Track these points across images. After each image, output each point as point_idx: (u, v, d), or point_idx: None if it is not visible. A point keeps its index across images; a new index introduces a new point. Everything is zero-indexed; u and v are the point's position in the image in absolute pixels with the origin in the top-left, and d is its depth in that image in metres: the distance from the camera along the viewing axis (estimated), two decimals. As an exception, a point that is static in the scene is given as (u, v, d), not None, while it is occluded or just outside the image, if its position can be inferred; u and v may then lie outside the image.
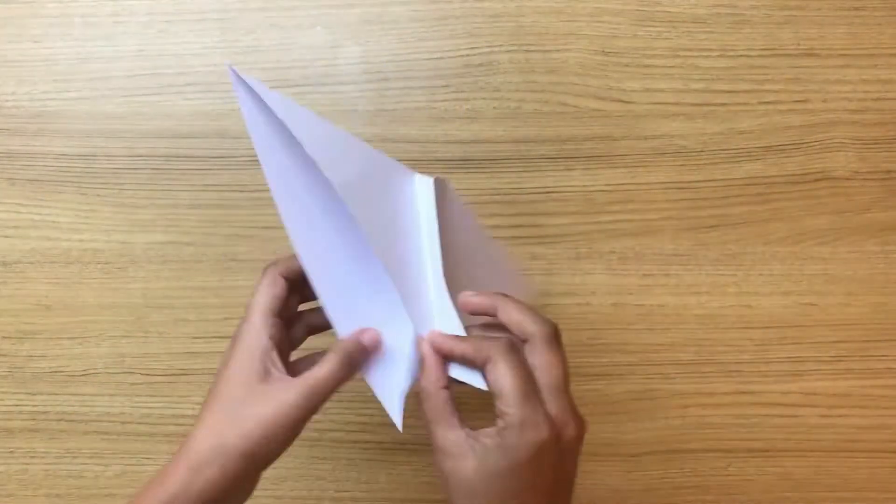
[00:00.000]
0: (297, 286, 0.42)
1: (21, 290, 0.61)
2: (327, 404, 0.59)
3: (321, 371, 0.39)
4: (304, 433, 0.59)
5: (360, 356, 0.40)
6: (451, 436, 0.37)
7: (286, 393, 0.38)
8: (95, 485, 0.60)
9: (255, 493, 0.56)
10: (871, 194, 0.61)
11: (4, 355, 0.60)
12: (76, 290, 0.60)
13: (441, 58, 0.62)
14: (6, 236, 0.61)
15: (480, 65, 0.61)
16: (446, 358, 0.40)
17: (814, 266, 0.60)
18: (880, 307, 0.60)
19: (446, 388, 0.39)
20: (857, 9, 0.62)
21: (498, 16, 0.62)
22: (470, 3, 0.62)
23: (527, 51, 0.61)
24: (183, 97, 0.61)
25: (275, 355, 0.39)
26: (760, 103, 0.61)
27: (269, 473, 0.59)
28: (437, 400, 0.38)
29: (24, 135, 0.61)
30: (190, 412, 0.60)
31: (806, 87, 0.61)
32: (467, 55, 0.61)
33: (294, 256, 0.40)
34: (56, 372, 0.60)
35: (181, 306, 0.60)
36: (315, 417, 0.60)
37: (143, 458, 0.60)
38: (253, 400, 0.38)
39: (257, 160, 0.62)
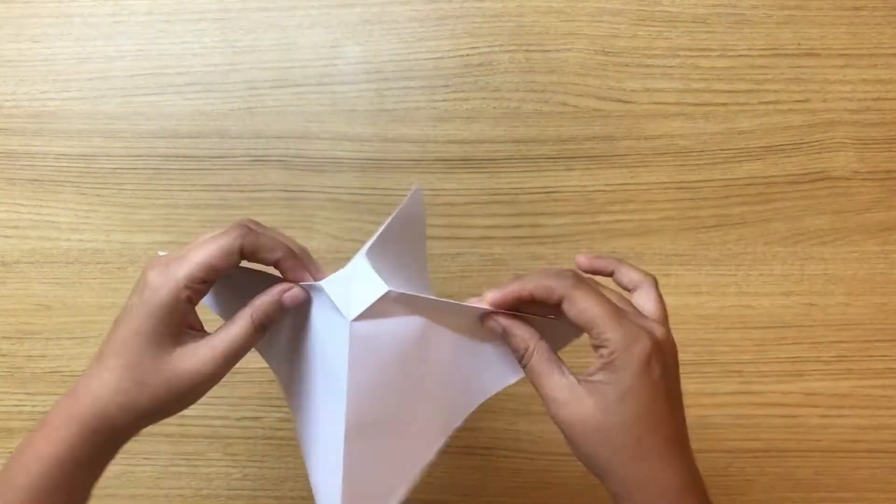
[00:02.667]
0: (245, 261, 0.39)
1: (21, 290, 0.60)
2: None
3: (235, 332, 0.37)
4: (304, 433, 0.59)
5: (277, 315, 0.39)
6: (561, 382, 0.37)
7: (200, 358, 0.37)
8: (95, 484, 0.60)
9: (256, 493, 0.56)
10: (871, 194, 0.61)
11: (4, 355, 0.60)
12: (76, 290, 0.60)
13: (441, 58, 0.61)
14: (6, 236, 0.61)
15: (480, 65, 0.61)
16: (519, 302, 0.38)
17: (814, 266, 0.60)
18: (880, 307, 0.60)
19: (542, 339, 0.39)
20: (857, 9, 0.62)
21: (498, 16, 0.62)
22: (470, 3, 0.62)
23: (527, 51, 0.61)
24: (182, 97, 0.61)
25: (191, 313, 0.38)
26: (760, 103, 0.61)
27: (269, 474, 0.59)
28: (542, 352, 0.38)
29: (24, 135, 0.61)
30: (190, 412, 0.59)
31: (806, 87, 0.61)
32: (467, 55, 0.61)
33: (273, 241, 0.38)
34: (56, 372, 0.60)
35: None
36: (315, 417, 0.60)
37: (142, 458, 0.60)
38: (166, 362, 0.36)
39: (257, 160, 0.62)
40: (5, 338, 0.60)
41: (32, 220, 0.61)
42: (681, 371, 0.61)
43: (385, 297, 0.36)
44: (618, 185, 0.61)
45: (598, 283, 0.38)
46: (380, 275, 0.37)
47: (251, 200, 0.61)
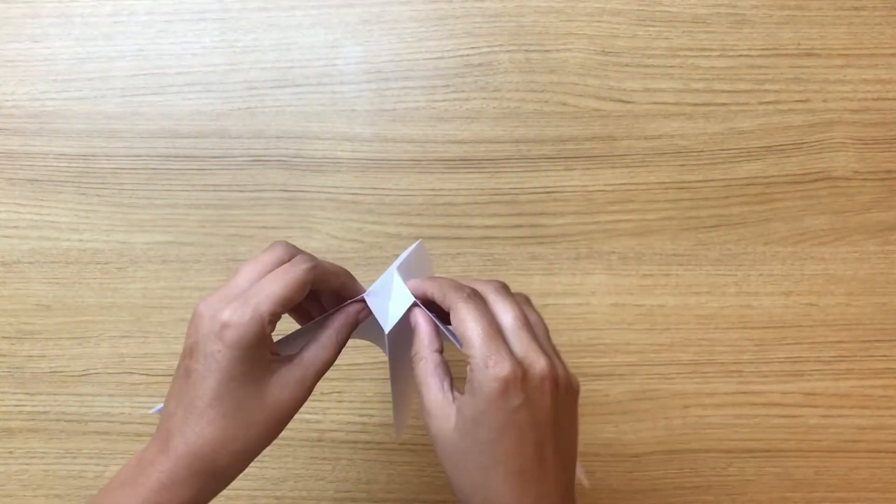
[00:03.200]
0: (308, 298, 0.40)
1: (21, 290, 0.60)
2: (328, 404, 0.60)
3: (325, 355, 0.39)
4: (304, 434, 0.59)
5: (352, 328, 0.40)
6: (437, 396, 0.37)
7: (297, 382, 0.38)
8: (95, 485, 0.60)
9: (256, 493, 0.56)
10: (871, 194, 0.61)
11: (4, 355, 0.60)
12: (76, 290, 0.60)
13: (441, 58, 0.61)
14: (6, 236, 0.61)
15: (480, 65, 0.61)
16: (424, 300, 0.40)
17: (814, 266, 0.60)
18: (880, 307, 0.60)
19: (438, 351, 0.39)
20: (857, 9, 0.62)
21: (498, 16, 0.62)
22: (470, 3, 0.62)
23: (527, 51, 0.61)
24: (182, 97, 0.61)
25: (271, 342, 0.38)
26: (760, 103, 0.61)
27: (269, 474, 0.59)
28: (428, 363, 0.38)
29: (24, 135, 0.61)
30: (190, 412, 0.60)
31: (806, 87, 0.61)
32: (467, 55, 0.61)
33: (334, 268, 0.40)
34: (56, 372, 0.60)
35: (181, 306, 0.60)
36: (315, 417, 0.60)
37: (142, 458, 0.60)
38: (267, 396, 0.37)
39: (257, 160, 0.62)
40: (5, 338, 0.60)
41: (32, 220, 0.61)
42: (681, 371, 0.61)
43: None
44: (618, 185, 0.61)
45: (516, 303, 0.38)
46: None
47: (251, 200, 0.61)
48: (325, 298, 0.43)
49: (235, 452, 0.36)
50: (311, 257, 0.39)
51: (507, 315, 0.37)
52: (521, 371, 0.35)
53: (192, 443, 0.36)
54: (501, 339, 0.36)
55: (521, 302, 0.39)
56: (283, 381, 0.37)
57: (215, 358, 0.36)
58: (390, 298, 0.41)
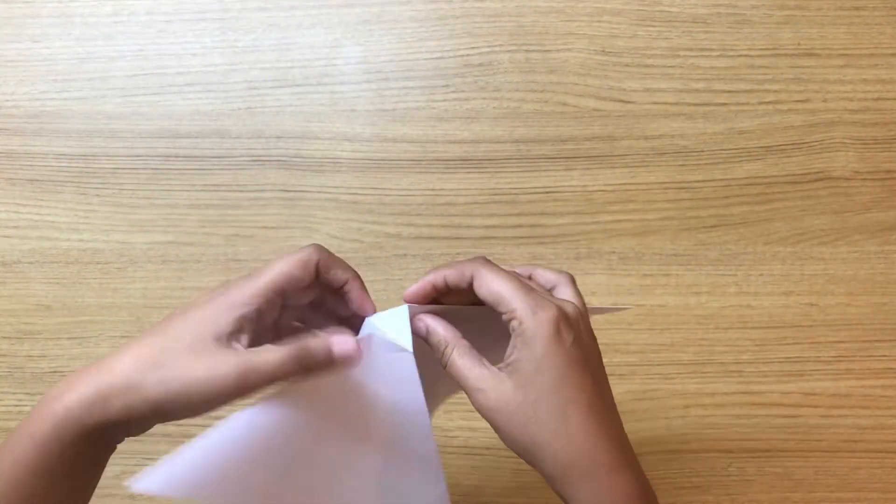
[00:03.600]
0: (322, 287, 0.39)
1: (21, 290, 0.60)
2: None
3: (268, 358, 0.33)
4: (304, 433, 0.59)
5: (322, 363, 0.35)
6: (482, 373, 0.36)
7: (223, 364, 0.33)
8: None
9: (255, 493, 0.55)
10: (871, 194, 0.61)
11: (4, 355, 0.60)
12: (76, 290, 0.60)
13: (441, 58, 0.61)
14: (6, 236, 0.61)
15: (480, 65, 0.61)
16: (435, 290, 0.39)
17: (814, 266, 0.60)
18: (880, 307, 0.60)
19: (464, 338, 0.38)
20: (857, 9, 0.62)
21: (498, 16, 0.62)
22: (470, 3, 0.62)
23: (527, 51, 0.61)
24: (182, 97, 0.61)
25: (247, 333, 0.35)
26: (760, 103, 0.61)
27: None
28: (459, 349, 0.37)
29: (24, 135, 0.61)
30: (190, 412, 0.60)
31: (806, 87, 0.61)
32: (467, 55, 0.61)
33: (345, 264, 0.39)
34: (56, 372, 0.60)
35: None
36: (315, 417, 0.60)
37: (142, 458, 0.60)
38: (192, 355, 0.33)
39: (257, 160, 0.62)
40: (5, 338, 0.60)
41: (32, 220, 0.61)
42: (681, 371, 0.61)
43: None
44: (618, 185, 0.61)
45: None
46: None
47: (251, 200, 0.61)
48: (329, 304, 0.41)
49: (129, 380, 0.32)
50: (323, 248, 0.38)
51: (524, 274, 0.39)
52: (560, 311, 0.36)
53: (118, 356, 0.33)
54: (533, 290, 0.37)
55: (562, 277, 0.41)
56: (212, 360, 0.33)
57: (197, 304, 0.35)
58: (386, 331, 0.38)
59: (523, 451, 0.36)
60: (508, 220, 0.61)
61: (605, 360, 0.59)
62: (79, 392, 0.32)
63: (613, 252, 0.60)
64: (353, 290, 0.40)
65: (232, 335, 0.34)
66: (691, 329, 0.60)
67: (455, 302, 0.39)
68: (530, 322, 0.35)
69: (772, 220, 0.61)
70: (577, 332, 0.36)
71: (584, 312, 0.38)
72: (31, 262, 0.61)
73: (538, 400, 0.35)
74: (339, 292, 0.40)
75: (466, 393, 0.37)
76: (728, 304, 0.60)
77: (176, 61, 0.62)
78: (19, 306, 0.60)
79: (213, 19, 0.62)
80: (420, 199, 0.61)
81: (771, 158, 0.61)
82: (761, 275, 0.60)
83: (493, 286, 0.36)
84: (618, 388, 0.60)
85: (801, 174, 0.61)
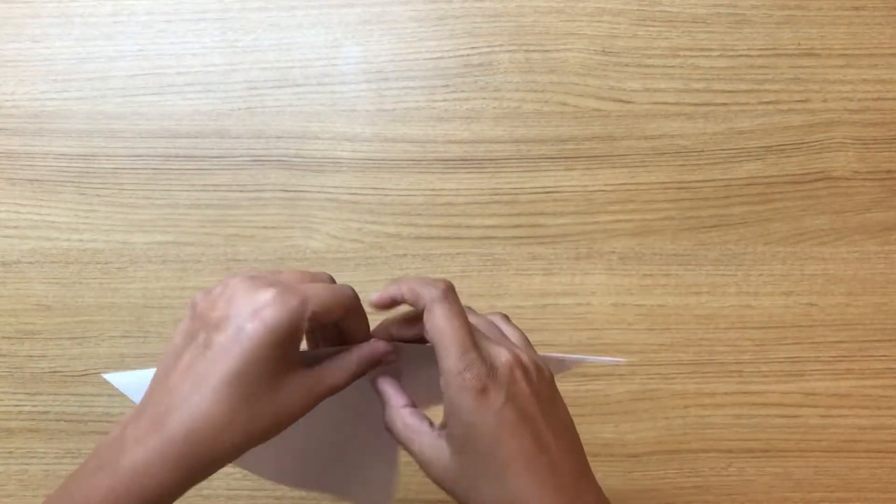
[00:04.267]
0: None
1: (21, 290, 0.60)
2: (327, 404, 0.59)
3: (336, 377, 0.36)
4: (304, 433, 0.59)
5: (373, 365, 0.37)
6: (428, 440, 0.36)
7: (306, 391, 0.34)
8: None
9: (256, 493, 0.56)
10: (871, 194, 0.61)
11: (4, 355, 0.60)
12: (76, 290, 0.60)
13: (441, 58, 0.61)
14: (6, 236, 0.61)
15: (480, 65, 0.61)
16: (394, 303, 0.37)
17: (814, 266, 0.60)
18: (880, 307, 0.60)
19: (408, 405, 0.37)
20: (857, 9, 0.62)
21: (498, 16, 0.62)
22: (470, 3, 0.62)
23: (527, 51, 0.61)
24: (182, 97, 0.61)
25: (300, 344, 0.35)
26: (760, 103, 0.61)
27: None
28: (405, 416, 0.37)
29: (24, 135, 0.61)
30: (190, 412, 0.60)
31: (806, 87, 0.61)
32: (467, 55, 0.61)
33: (366, 322, 0.38)
34: (55, 372, 0.60)
35: (181, 306, 0.60)
36: (315, 418, 0.60)
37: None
38: (277, 392, 0.33)
39: (257, 160, 0.62)
40: (5, 338, 0.60)
41: (32, 220, 0.61)
42: (681, 371, 0.61)
43: None
44: (618, 185, 0.61)
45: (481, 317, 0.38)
46: None
47: (251, 200, 0.61)
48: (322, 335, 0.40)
49: (232, 443, 0.33)
50: (355, 294, 0.37)
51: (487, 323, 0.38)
52: (488, 369, 0.34)
53: (193, 420, 0.32)
54: (473, 342, 0.35)
55: (497, 318, 0.39)
56: (297, 385, 0.34)
57: (248, 335, 0.32)
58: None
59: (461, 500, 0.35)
60: (508, 220, 0.61)
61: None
62: (159, 468, 0.32)
63: (613, 252, 0.60)
64: (349, 323, 0.38)
65: (295, 358, 0.35)
66: (691, 329, 0.60)
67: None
68: (454, 386, 0.33)
69: (772, 220, 0.61)
70: (510, 387, 0.34)
71: (518, 360, 0.35)
72: (31, 262, 0.61)
73: (473, 468, 0.34)
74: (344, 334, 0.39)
75: (407, 449, 0.37)
76: (728, 304, 0.60)
77: (176, 61, 0.62)
78: (19, 306, 0.60)
79: (213, 19, 0.62)
80: (420, 199, 0.61)
81: (771, 158, 0.61)
82: (761, 275, 0.60)
83: (434, 328, 0.34)
84: (618, 388, 0.60)
85: (801, 174, 0.61)
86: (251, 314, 0.33)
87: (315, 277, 0.37)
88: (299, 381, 0.34)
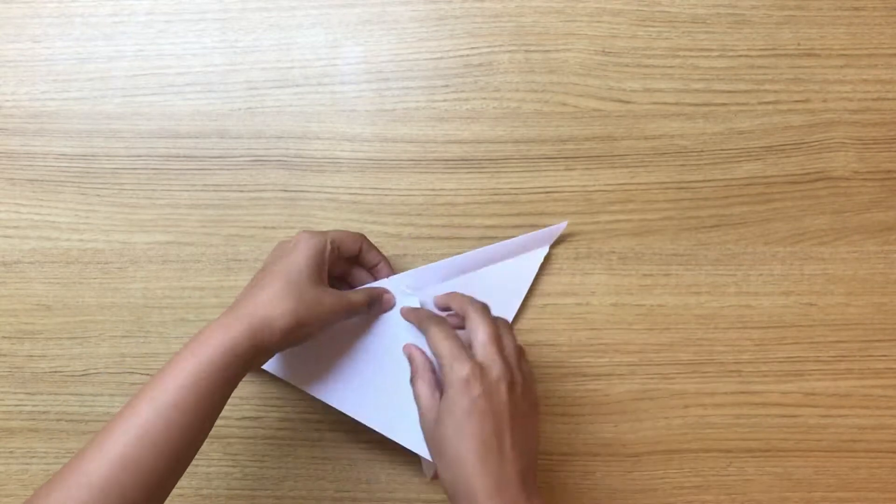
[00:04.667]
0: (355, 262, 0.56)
1: (21, 290, 0.61)
2: (327, 404, 0.59)
3: (357, 297, 0.52)
4: (305, 433, 0.59)
5: (376, 303, 0.54)
6: (429, 402, 0.48)
7: (336, 298, 0.50)
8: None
9: (256, 492, 0.56)
10: (871, 194, 0.61)
11: (4, 355, 0.60)
12: (76, 290, 0.60)
13: (441, 58, 0.62)
14: (6, 236, 0.61)
15: (480, 65, 0.61)
16: (440, 306, 0.54)
17: (814, 266, 0.60)
18: (880, 307, 0.60)
19: (431, 371, 0.50)
20: (857, 9, 0.62)
21: (498, 16, 0.62)
22: (470, 3, 0.62)
23: (527, 51, 0.61)
24: (183, 97, 0.61)
25: (327, 270, 0.51)
26: (760, 103, 0.61)
27: (269, 473, 0.59)
28: (424, 378, 0.49)
29: (24, 135, 0.61)
30: (190, 412, 0.60)
31: (806, 87, 0.61)
32: (467, 55, 0.62)
33: (378, 251, 0.56)
34: (56, 372, 0.60)
35: (181, 306, 0.60)
36: (315, 417, 0.60)
37: (143, 458, 0.60)
38: (316, 293, 0.48)
39: (257, 160, 0.62)
40: (5, 338, 0.60)
41: (32, 220, 0.61)
42: (681, 371, 0.61)
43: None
44: (618, 185, 0.61)
45: (492, 324, 0.48)
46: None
47: (251, 200, 0.61)
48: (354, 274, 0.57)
49: (283, 326, 0.46)
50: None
51: (480, 331, 0.47)
52: (478, 371, 0.45)
53: (256, 304, 0.46)
54: (464, 350, 0.47)
55: (500, 325, 0.49)
56: (329, 294, 0.49)
57: (289, 253, 0.49)
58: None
59: (439, 473, 0.45)
60: (508, 220, 0.61)
61: (604, 359, 0.60)
62: (234, 332, 0.45)
63: (613, 252, 0.60)
64: (382, 271, 0.56)
65: (324, 278, 0.50)
66: (691, 329, 0.60)
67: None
68: (448, 374, 0.46)
69: (771, 220, 0.61)
70: (486, 388, 0.45)
71: (510, 377, 0.46)
72: (31, 262, 0.61)
73: (444, 434, 0.45)
74: (371, 269, 0.56)
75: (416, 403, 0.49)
76: (728, 303, 0.60)
77: (176, 61, 0.62)
78: (19, 306, 0.61)
79: (213, 19, 0.62)
80: (420, 199, 0.61)
81: (771, 158, 0.61)
82: (761, 275, 0.60)
83: (434, 345, 0.48)
84: (617, 388, 0.60)
85: (801, 174, 0.61)
86: (293, 244, 0.50)
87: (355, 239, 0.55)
88: (330, 293, 0.50)
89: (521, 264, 0.59)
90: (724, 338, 0.60)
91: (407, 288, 0.56)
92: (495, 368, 0.45)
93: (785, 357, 0.60)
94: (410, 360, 0.51)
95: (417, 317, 0.52)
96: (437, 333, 0.48)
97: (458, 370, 0.45)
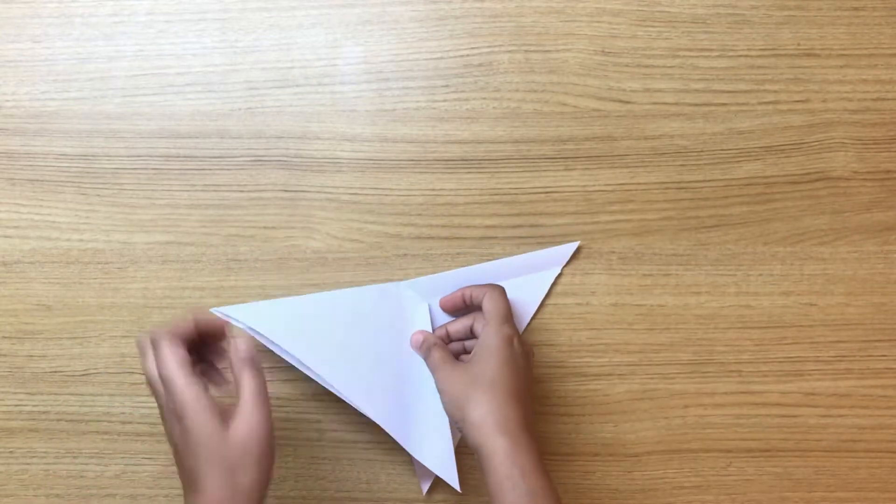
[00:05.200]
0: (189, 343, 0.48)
1: (21, 290, 0.61)
2: (328, 404, 0.60)
3: (256, 381, 0.46)
4: (305, 433, 0.59)
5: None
6: (448, 363, 0.53)
7: (251, 417, 0.45)
8: (95, 484, 0.60)
9: (256, 492, 0.56)
10: (870, 194, 0.61)
11: (5, 355, 0.60)
12: (76, 290, 0.60)
13: (441, 58, 0.62)
14: (6, 236, 0.61)
15: (480, 65, 0.61)
16: (454, 306, 0.58)
17: (813, 266, 0.61)
18: (880, 307, 0.60)
19: (443, 339, 0.57)
20: (856, 9, 0.62)
21: (498, 16, 0.62)
22: (470, 3, 0.62)
23: (527, 51, 0.62)
24: (183, 97, 0.61)
25: (211, 397, 0.45)
26: (760, 103, 0.61)
27: (269, 473, 0.59)
28: (439, 346, 0.55)
29: (25, 135, 0.61)
30: (190, 412, 0.60)
31: (805, 87, 0.61)
32: (467, 55, 0.62)
33: (173, 322, 0.48)
34: (56, 372, 0.60)
35: (181, 306, 0.60)
36: (315, 417, 0.60)
37: (143, 457, 0.60)
38: (229, 447, 0.44)
39: (257, 160, 0.62)
40: (5, 338, 0.60)
41: (33, 220, 0.61)
42: (681, 371, 0.61)
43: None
44: (618, 185, 0.61)
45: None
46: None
47: (251, 200, 0.61)
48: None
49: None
50: (159, 330, 0.47)
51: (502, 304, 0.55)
52: (518, 335, 0.53)
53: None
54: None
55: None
56: (240, 431, 0.45)
57: (182, 437, 0.45)
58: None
59: (459, 407, 0.50)
60: (508, 220, 0.61)
61: (604, 359, 0.60)
62: None
63: (613, 252, 0.61)
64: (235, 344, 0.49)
65: (219, 412, 0.45)
66: (691, 329, 0.60)
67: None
68: (494, 328, 0.52)
69: (771, 221, 0.61)
70: (524, 351, 0.53)
71: (526, 347, 0.54)
72: (31, 262, 0.61)
73: (481, 372, 0.51)
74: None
75: (433, 373, 0.54)
76: (727, 304, 0.60)
77: (176, 61, 0.62)
78: (20, 306, 0.61)
79: (213, 20, 0.62)
80: (420, 199, 0.61)
81: (770, 158, 0.61)
82: (761, 275, 0.60)
83: (497, 305, 0.53)
84: (617, 388, 0.60)
85: (801, 174, 0.61)
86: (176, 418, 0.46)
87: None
88: (240, 419, 0.45)
89: (531, 283, 0.60)
90: (724, 338, 0.60)
91: (416, 294, 0.58)
92: (528, 344, 0.53)
93: (785, 357, 0.60)
94: (423, 339, 0.56)
95: (464, 293, 0.57)
96: (500, 299, 0.54)
97: (505, 328, 0.52)
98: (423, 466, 0.55)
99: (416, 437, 0.55)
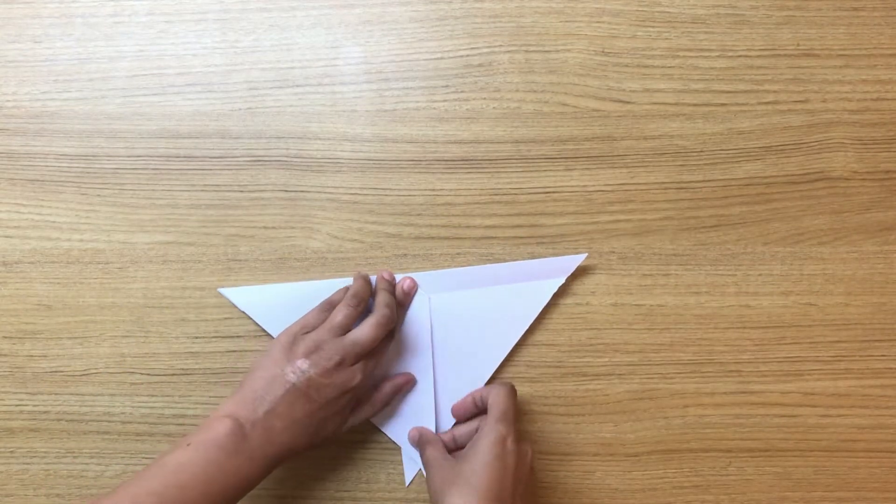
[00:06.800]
0: None
1: (21, 290, 0.61)
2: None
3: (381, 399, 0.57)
4: (305, 433, 0.59)
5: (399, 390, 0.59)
6: (438, 454, 0.53)
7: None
8: (96, 485, 0.60)
9: (256, 493, 0.56)
10: (870, 194, 0.61)
11: (5, 355, 0.60)
12: (76, 290, 0.60)
13: (441, 58, 0.62)
14: (7, 236, 0.61)
15: (480, 65, 0.62)
16: (466, 413, 0.58)
17: (813, 266, 0.61)
18: (880, 307, 0.60)
19: (439, 439, 0.56)
20: (856, 9, 0.62)
21: (498, 16, 0.62)
22: (470, 4, 0.62)
23: (527, 51, 0.62)
24: (183, 97, 0.61)
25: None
26: (760, 103, 0.61)
27: (270, 473, 0.59)
28: (434, 445, 0.55)
29: (25, 135, 0.61)
30: (190, 412, 0.60)
31: (805, 87, 0.61)
32: (467, 55, 0.62)
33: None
34: (56, 372, 0.60)
35: (182, 306, 0.60)
36: (315, 417, 0.60)
37: (143, 457, 0.60)
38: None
39: (257, 160, 0.62)
40: (6, 338, 0.61)
41: (33, 220, 0.61)
42: (681, 371, 0.61)
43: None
44: (617, 185, 0.61)
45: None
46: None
47: (251, 200, 0.61)
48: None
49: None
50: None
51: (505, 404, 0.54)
52: (515, 435, 0.51)
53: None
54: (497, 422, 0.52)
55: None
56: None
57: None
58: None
59: (435, 503, 0.50)
60: (508, 220, 0.61)
61: (604, 359, 0.60)
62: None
63: (613, 252, 0.61)
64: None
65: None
66: (691, 329, 0.60)
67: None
68: (490, 427, 0.51)
69: (771, 221, 0.61)
70: (518, 452, 0.51)
71: (532, 459, 0.52)
72: (32, 262, 0.61)
73: (465, 470, 0.49)
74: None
75: (425, 469, 0.54)
76: (727, 303, 0.60)
77: (177, 62, 0.62)
78: (20, 306, 0.61)
79: (213, 20, 0.62)
80: (420, 199, 0.61)
81: (770, 159, 0.61)
82: (760, 275, 0.60)
83: (498, 402, 0.52)
84: (617, 388, 0.60)
85: (800, 174, 0.61)
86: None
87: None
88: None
89: (534, 290, 0.59)
90: (724, 338, 0.60)
91: (420, 288, 0.59)
92: (526, 445, 0.52)
93: (784, 357, 0.60)
94: (419, 436, 0.57)
95: (480, 394, 0.57)
96: (507, 400, 0.53)
97: (500, 427, 0.51)
98: (409, 458, 0.59)
99: (402, 427, 0.59)
